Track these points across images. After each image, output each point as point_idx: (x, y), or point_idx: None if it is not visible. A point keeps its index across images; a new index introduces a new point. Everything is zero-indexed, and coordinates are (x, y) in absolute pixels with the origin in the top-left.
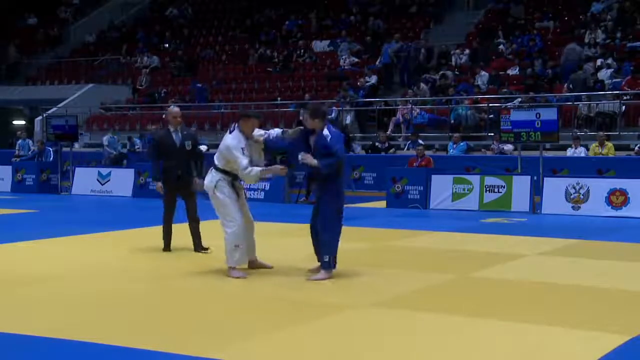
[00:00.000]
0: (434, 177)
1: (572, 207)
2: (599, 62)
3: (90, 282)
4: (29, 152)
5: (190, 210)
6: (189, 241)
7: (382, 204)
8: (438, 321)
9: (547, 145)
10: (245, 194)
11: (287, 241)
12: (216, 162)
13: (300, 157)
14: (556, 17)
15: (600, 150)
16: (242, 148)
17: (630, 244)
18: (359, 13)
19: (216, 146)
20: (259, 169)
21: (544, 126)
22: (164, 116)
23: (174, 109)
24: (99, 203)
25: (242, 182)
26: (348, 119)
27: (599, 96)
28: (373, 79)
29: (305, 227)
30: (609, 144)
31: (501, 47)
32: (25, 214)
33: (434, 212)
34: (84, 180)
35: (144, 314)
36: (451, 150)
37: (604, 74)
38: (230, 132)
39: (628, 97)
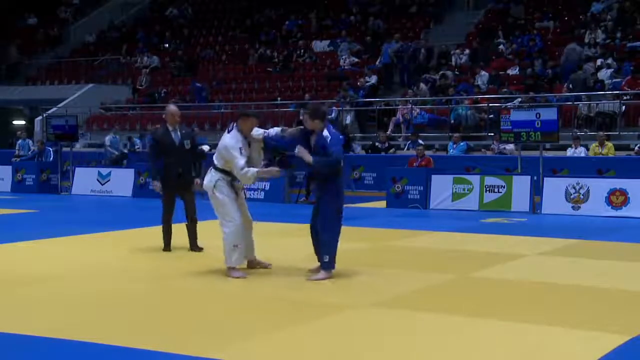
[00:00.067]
0: (434, 177)
1: (572, 207)
2: (599, 62)
3: (90, 282)
4: (29, 152)
5: (188, 210)
6: (188, 241)
7: (382, 204)
8: (438, 321)
9: (547, 145)
10: (244, 194)
11: (287, 241)
12: (215, 162)
13: (296, 149)
14: (556, 17)
15: (600, 150)
16: (239, 148)
17: (630, 244)
18: (359, 13)
19: (216, 146)
20: (255, 169)
21: (544, 126)
22: (163, 116)
23: (173, 108)
24: (99, 203)
25: (239, 182)
26: (348, 119)
27: (599, 96)
28: (373, 79)
29: (305, 227)
30: (609, 144)
31: (501, 47)
32: (25, 214)
33: (434, 212)
34: (84, 180)
35: (144, 314)
36: (451, 150)
37: (604, 74)
38: (228, 132)
39: (628, 97)
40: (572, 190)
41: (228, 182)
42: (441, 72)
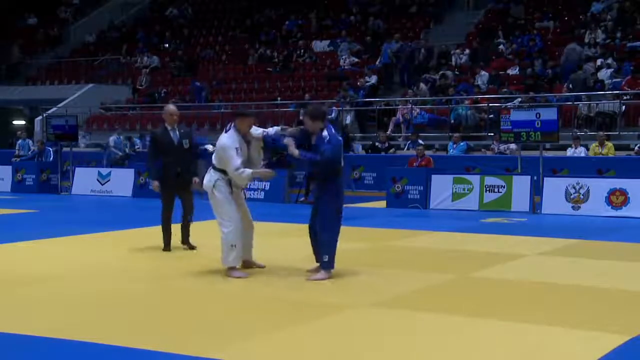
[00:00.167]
0: (434, 177)
1: (572, 207)
2: (599, 62)
3: (90, 282)
4: (29, 152)
5: (186, 209)
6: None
7: (382, 204)
8: (438, 321)
9: (547, 145)
10: (244, 194)
11: (287, 241)
12: (214, 161)
13: (285, 140)
14: (556, 17)
15: (600, 150)
16: (236, 148)
17: (630, 244)
18: (359, 13)
19: None
20: (250, 170)
21: (544, 126)
22: (163, 115)
23: (171, 107)
24: (99, 203)
25: None
26: (348, 119)
27: (599, 96)
28: (373, 79)
29: (305, 227)
30: (609, 144)
31: (501, 47)
32: (25, 214)
33: (434, 212)
34: (84, 180)
35: (144, 314)
36: (451, 150)
37: (604, 74)
38: (226, 132)
39: (628, 97)
40: (572, 190)
41: (227, 182)
42: (441, 72)
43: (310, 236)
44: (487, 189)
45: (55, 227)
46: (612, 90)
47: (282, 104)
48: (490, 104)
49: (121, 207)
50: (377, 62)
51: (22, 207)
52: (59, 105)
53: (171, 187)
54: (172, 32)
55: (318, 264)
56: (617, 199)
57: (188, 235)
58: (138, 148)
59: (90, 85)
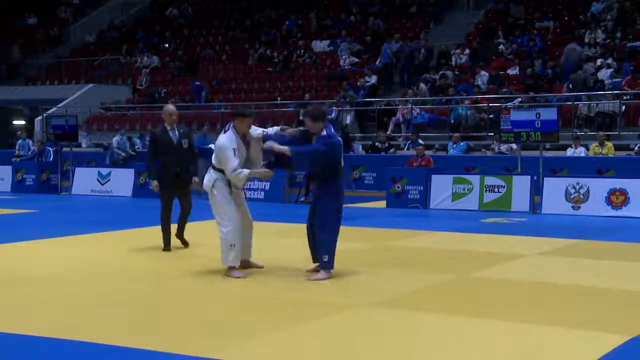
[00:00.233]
0: (434, 177)
1: (572, 207)
2: (599, 62)
3: (90, 282)
4: (29, 152)
5: (184, 209)
6: (188, 240)
7: (382, 204)
8: (438, 321)
9: (547, 145)
10: (245, 194)
11: (286, 241)
12: (213, 162)
13: (265, 145)
14: (556, 17)
15: (600, 150)
16: (234, 149)
17: (630, 244)
18: (359, 13)
19: None
20: (247, 171)
21: (544, 126)
22: (162, 115)
23: (170, 107)
24: (99, 203)
25: None
26: (348, 119)
27: (599, 96)
28: (373, 79)
29: (305, 228)
30: (609, 144)
31: (501, 47)
32: (25, 214)
33: (434, 212)
34: (84, 180)
35: (144, 314)
36: (451, 150)
37: (604, 74)
38: (224, 132)
39: (628, 97)
40: (572, 190)
41: (226, 181)
42: (441, 72)
43: (307, 236)
44: (487, 189)
45: (55, 227)
46: (612, 90)
47: (282, 104)
48: (490, 104)
49: (121, 207)
50: (377, 62)
51: (22, 207)
52: (59, 105)
53: (170, 187)
54: (172, 32)
55: (318, 264)
56: (617, 199)
57: (183, 230)
58: (138, 148)
59: (90, 85)
